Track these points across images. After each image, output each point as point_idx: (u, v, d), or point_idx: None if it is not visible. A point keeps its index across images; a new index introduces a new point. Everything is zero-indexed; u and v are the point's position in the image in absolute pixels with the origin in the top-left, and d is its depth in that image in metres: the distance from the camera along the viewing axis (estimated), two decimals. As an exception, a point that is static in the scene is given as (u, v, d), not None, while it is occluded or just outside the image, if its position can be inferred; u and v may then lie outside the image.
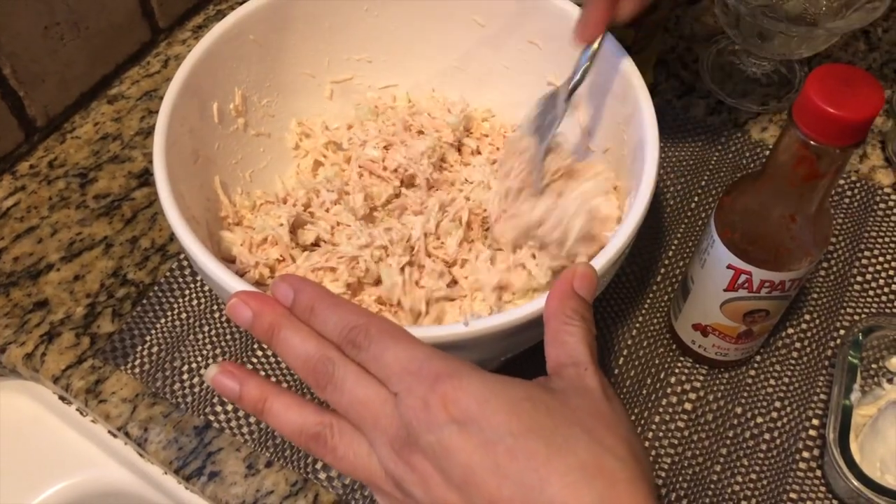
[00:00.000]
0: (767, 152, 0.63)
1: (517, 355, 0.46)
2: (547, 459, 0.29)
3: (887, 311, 0.56)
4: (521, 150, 0.50)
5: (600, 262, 0.42)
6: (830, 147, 0.37)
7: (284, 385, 0.51)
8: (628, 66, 0.50)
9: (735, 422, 0.51)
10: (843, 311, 0.56)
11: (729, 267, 0.45)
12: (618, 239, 0.43)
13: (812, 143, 0.37)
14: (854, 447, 0.46)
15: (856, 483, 0.44)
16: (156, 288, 0.56)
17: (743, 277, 0.45)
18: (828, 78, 0.37)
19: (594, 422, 0.31)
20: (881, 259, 0.58)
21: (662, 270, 0.57)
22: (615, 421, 0.32)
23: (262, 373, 0.51)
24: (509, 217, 0.51)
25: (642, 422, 0.51)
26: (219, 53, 0.51)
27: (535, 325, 0.39)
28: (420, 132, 0.58)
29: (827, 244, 0.44)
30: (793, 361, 0.54)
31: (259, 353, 0.54)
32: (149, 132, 0.64)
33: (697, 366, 0.53)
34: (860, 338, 0.49)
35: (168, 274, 0.57)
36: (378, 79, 0.60)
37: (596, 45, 0.48)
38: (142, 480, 0.53)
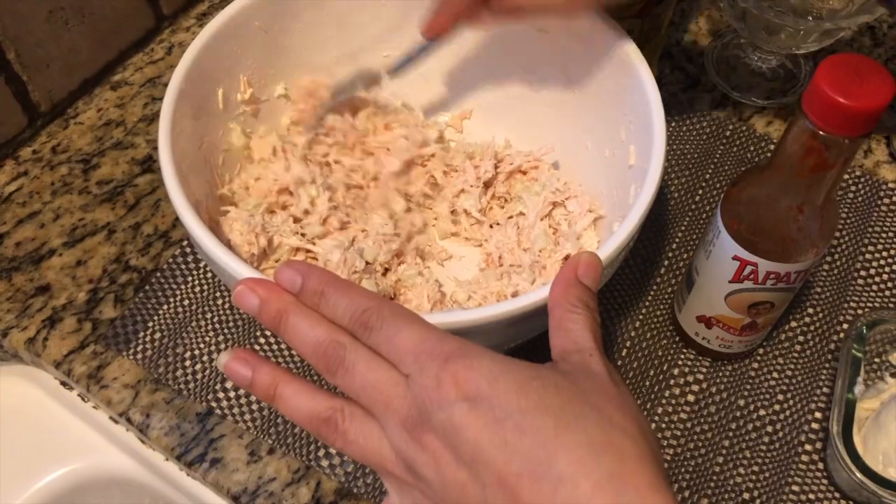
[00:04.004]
0: (773, 146, 0.63)
1: (520, 346, 0.46)
2: (555, 435, 0.29)
3: (890, 305, 0.56)
4: None
5: (605, 251, 0.42)
6: (840, 137, 0.37)
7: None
8: (636, 58, 0.49)
9: (738, 414, 0.51)
10: (846, 306, 0.56)
11: (735, 258, 0.45)
12: (623, 229, 0.43)
13: (821, 132, 0.37)
14: (857, 440, 0.46)
15: (859, 476, 0.44)
16: (158, 274, 0.56)
17: (748, 269, 0.45)
18: (838, 68, 0.37)
19: (603, 401, 0.31)
20: (885, 254, 0.58)
21: (666, 263, 0.57)
22: (623, 401, 0.32)
23: (265, 360, 0.51)
24: None
25: (645, 413, 0.51)
26: (224, 39, 0.51)
27: (540, 313, 0.39)
28: None
29: (833, 236, 0.44)
30: (796, 355, 0.54)
31: (262, 339, 0.53)
32: (152, 119, 0.64)
33: (700, 358, 0.53)
34: (864, 331, 0.49)
35: (171, 260, 0.57)
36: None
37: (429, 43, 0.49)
38: (143, 467, 0.53)
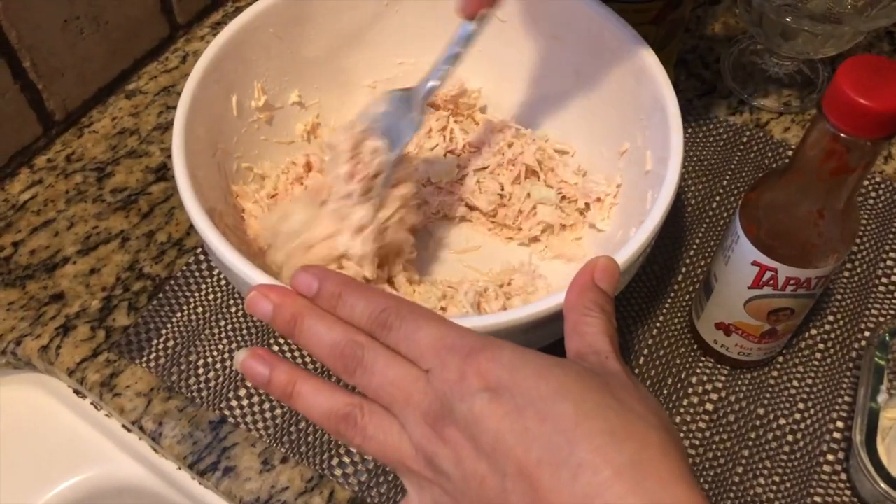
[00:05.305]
0: (790, 152, 0.62)
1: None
2: (576, 422, 0.28)
3: (913, 313, 0.55)
4: (369, 151, 0.47)
5: (623, 256, 0.41)
6: (861, 139, 0.37)
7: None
8: (652, 62, 0.49)
9: (757, 423, 0.50)
10: (867, 313, 0.55)
11: (754, 264, 0.44)
12: (641, 234, 0.42)
13: (842, 135, 0.37)
14: (881, 450, 0.45)
15: (883, 486, 0.43)
16: (172, 282, 0.56)
17: (768, 274, 0.44)
18: (859, 69, 0.36)
19: (624, 393, 0.30)
20: (906, 261, 0.57)
21: (684, 270, 0.57)
22: (643, 395, 0.31)
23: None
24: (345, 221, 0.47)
25: (663, 422, 0.50)
26: (238, 46, 0.51)
27: (556, 318, 0.38)
28: None
29: (854, 241, 0.43)
30: (816, 363, 0.53)
31: (276, 347, 0.53)
32: (166, 127, 0.64)
33: (719, 366, 0.52)
34: (887, 339, 0.48)
35: (185, 268, 0.56)
36: (396, 79, 0.60)
37: (471, 27, 0.45)
38: (155, 475, 0.53)
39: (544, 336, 0.43)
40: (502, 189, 0.56)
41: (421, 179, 0.56)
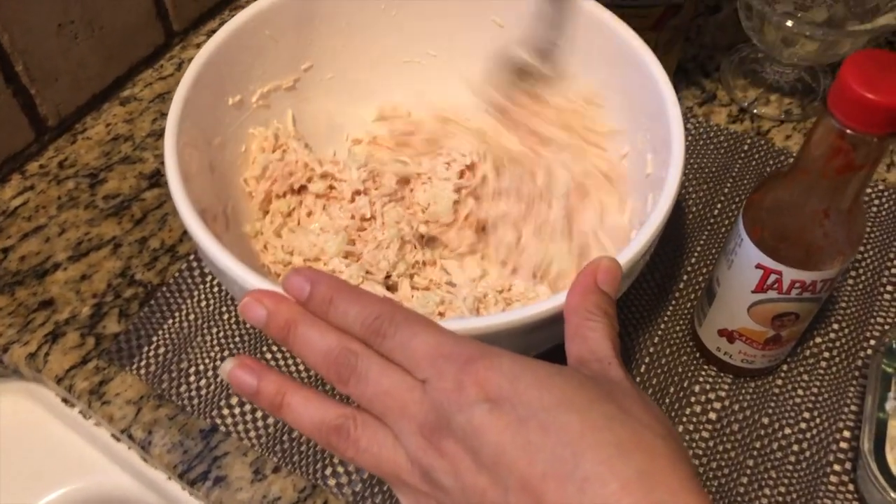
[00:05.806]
0: (792, 160, 0.62)
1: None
2: (581, 434, 0.27)
3: (919, 321, 0.54)
4: None
5: (625, 257, 0.40)
6: (868, 135, 0.36)
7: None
8: (653, 65, 0.48)
9: (762, 433, 0.49)
10: (872, 321, 0.54)
11: (758, 266, 0.43)
12: (644, 234, 0.41)
13: (848, 131, 0.36)
14: (890, 459, 0.44)
15: (893, 496, 0.42)
16: (164, 288, 0.55)
17: (773, 278, 0.43)
18: (865, 63, 0.35)
19: (629, 401, 0.29)
20: (911, 268, 0.56)
21: (685, 277, 0.56)
22: (647, 404, 0.30)
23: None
24: None
25: (665, 432, 0.49)
26: (233, 48, 0.50)
27: (557, 321, 0.37)
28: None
29: (860, 243, 0.42)
30: (821, 371, 0.52)
31: (268, 355, 0.52)
32: (160, 134, 0.63)
33: (722, 374, 0.51)
34: (894, 346, 0.47)
35: (177, 275, 0.55)
36: (396, 85, 0.59)
37: None
38: (145, 486, 0.51)
39: (544, 340, 0.42)
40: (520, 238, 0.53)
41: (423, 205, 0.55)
